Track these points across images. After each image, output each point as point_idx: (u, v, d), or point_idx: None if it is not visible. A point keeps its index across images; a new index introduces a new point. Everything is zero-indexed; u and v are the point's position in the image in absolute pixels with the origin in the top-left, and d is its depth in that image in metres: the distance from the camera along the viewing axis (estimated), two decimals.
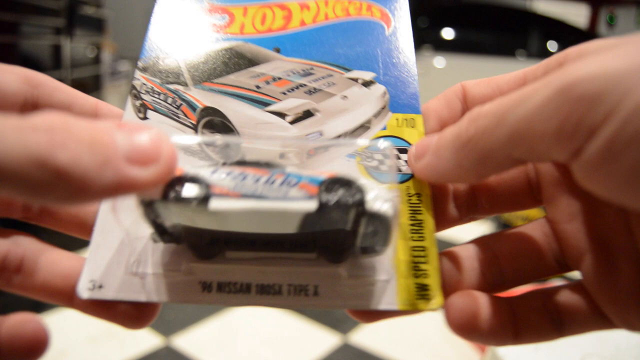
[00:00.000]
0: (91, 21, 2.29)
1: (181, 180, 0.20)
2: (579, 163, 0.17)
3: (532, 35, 2.97)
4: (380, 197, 0.21)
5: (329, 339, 1.30)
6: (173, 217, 0.21)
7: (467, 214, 0.25)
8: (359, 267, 0.23)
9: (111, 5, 3.04)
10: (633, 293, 0.20)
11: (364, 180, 0.21)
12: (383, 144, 0.25)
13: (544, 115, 0.17)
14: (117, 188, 0.17)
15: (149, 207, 0.21)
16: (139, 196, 0.20)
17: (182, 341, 1.32)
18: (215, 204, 0.20)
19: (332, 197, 0.20)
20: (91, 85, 2.35)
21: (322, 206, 0.20)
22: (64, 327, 1.34)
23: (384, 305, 0.22)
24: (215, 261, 0.23)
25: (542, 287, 0.23)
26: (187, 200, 0.20)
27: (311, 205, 0.20)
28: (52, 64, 1.90)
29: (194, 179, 0.20)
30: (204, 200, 0.20)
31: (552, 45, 2.95)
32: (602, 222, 0.21)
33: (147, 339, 1.32)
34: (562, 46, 2.95)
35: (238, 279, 0.22)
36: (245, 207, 0.20)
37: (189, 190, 0.20)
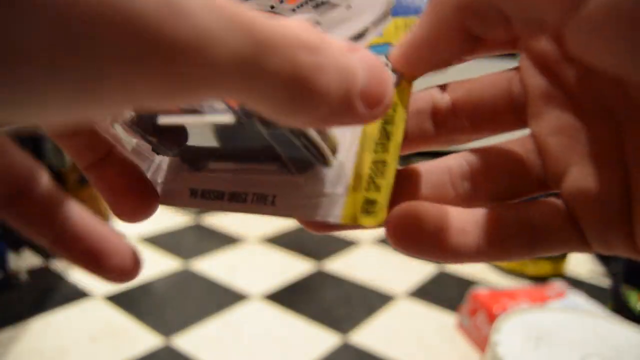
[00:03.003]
0: None
1: None
2: (575, 22, 0.15)
3: None
4: None
5: (329, 339, 1.30)
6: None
7: (446, 133, 0.23)
8: (318, 179, 0.22)
9: None
10: (616, 208, 0.19)
11: None
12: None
13: None
14: (339, 122, 0.15)
15: (128, 126, 0.24)
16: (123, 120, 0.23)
17: (182, 341, 1.33)
18: (161, 119, 0.22)
19: (241, 112, 0.20)
20: None
21: (238, 119, 0.20)
22: (64, 326, 1.34)
23: (328, 217, 0.21)
24: (200, 171, 0.25)
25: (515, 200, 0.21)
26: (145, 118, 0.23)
27: (229, 119, 0.20)
28: None
29: None
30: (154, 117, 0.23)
31: None
32: (592, 135, 0.20)
33: (147, 338, 1.32)
34: None
35: (216, 187, 0.25)
36: (183, 121, 0.22)
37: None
